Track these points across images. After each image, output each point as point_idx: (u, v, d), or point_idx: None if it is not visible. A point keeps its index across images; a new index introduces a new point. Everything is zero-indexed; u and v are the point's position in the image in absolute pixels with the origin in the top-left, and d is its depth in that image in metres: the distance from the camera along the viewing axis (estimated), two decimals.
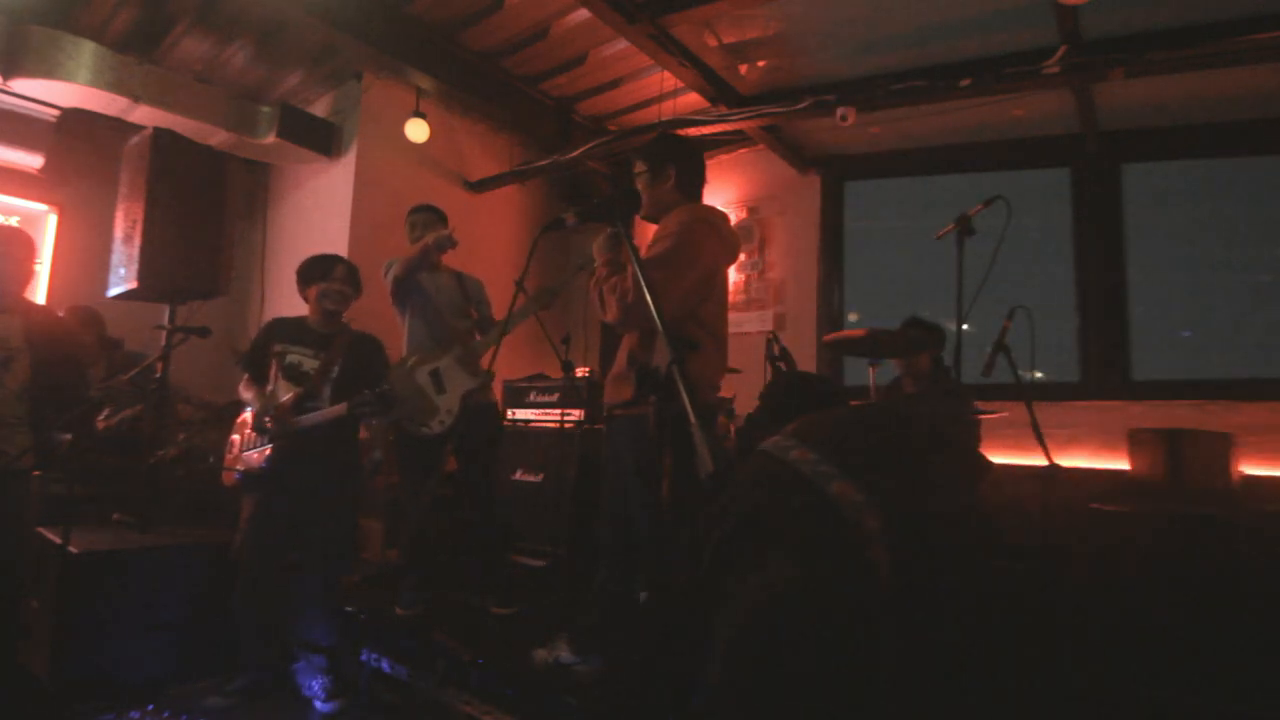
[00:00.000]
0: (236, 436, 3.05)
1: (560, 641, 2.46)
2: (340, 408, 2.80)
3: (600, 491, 2.52)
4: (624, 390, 2.31)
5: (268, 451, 2.88)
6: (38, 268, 2.99)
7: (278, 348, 2.99)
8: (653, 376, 1.14)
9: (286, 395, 2.88)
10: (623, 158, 5.76)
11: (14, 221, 4.79)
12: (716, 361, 2.42)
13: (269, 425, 2.86)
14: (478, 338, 3.32)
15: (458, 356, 3.20)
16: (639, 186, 2.45)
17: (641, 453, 2.24)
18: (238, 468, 2.98)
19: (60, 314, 3.41)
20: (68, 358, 2.85)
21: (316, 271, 3.06)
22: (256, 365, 3.03)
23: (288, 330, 3.06)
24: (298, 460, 2.87)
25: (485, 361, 3.27)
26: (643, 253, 2.25)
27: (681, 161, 2.41)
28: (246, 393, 2.99)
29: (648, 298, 1.17)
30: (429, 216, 3.40)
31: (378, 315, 3.50)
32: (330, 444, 2.91)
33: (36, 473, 2.78)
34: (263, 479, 2.91)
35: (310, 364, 2.96)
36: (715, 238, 2.33)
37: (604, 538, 2.44)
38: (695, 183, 2.46)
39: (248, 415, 3.23)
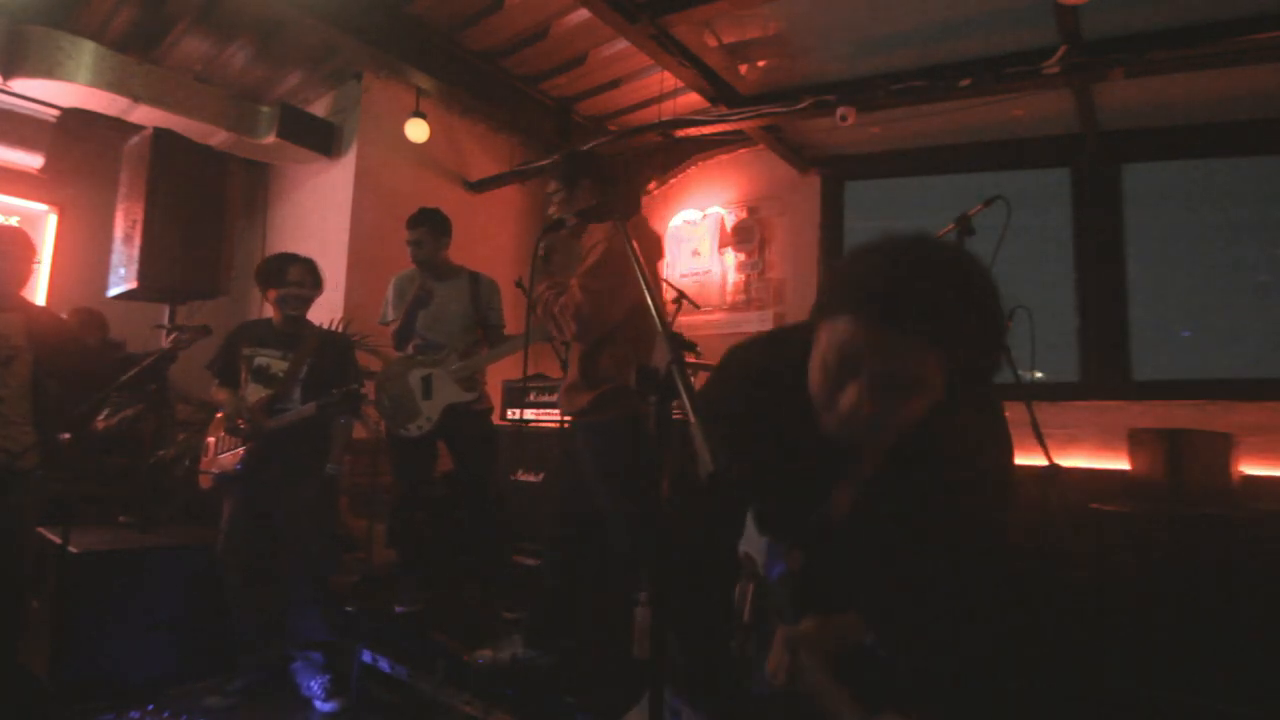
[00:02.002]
0: (212, 439, 3.05)
1: (515, 639, 2.55)
2: (309, 408, 2.80)
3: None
4: (578, 399, 2.38)
5: (240, 453, 2.88)
6: (37, 267, 2.99)
7: (246, 350, 2.99)
8: (652, 377, 1.13)
9: (256, 397, 2.88)
10: (626, 158, 5.77)
11: (14, 221, 4.79)
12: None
13: (242, 427, 2.86)
14: (484, 351, 3.28)
15: (454, 369, 3.18)
16: (554, 208, 2.52)
17: (606, 458, 2.31)
18: (213, 470, 2.98)
19: (64, 316, 3.41)
20: (69, 357, 2.86)
21: (270, 275, 3.03)
22: (226, 368, 3.03)
23: (255, 332, 3.06)
24: (270, 461, 2.87)
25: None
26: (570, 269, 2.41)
27: (593, 172, 2.49)
28: (218, 395, 3.00)
29: (650, 301, 1.17)
30: (424, 234, 3.26)
31: (375, 310, 3.51)
32: (301, 444, 2.91)
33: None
34: (237, 480, 2.91)
35: (278, 365, 2.96)
36: (639, 238, 2.39)
37: (551, 533, 2.56)
38: (610, 189, 2.53)
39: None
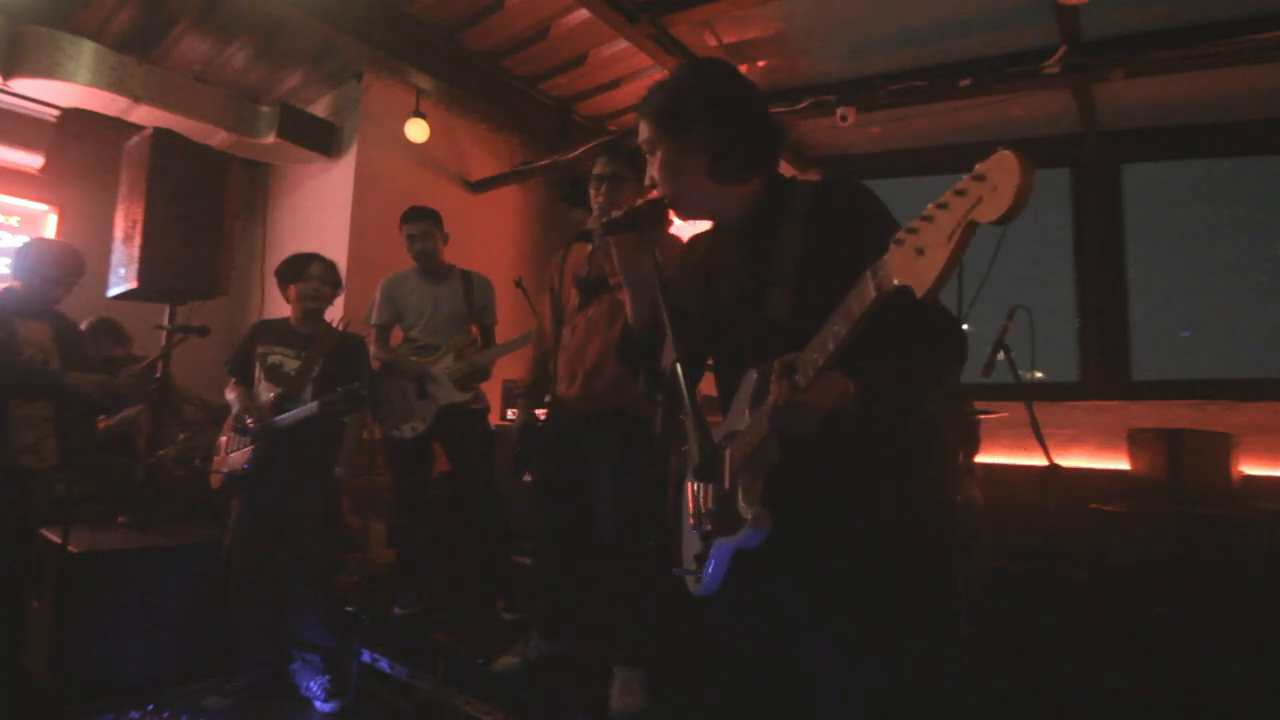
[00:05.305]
0: (224, 438, 3.05)
1: (532, 638, 2.52)
2: (312, 406, 2.79)
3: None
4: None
5: (248, 452, 2.88)
6: (76, 284, 3.05)
7: (260, 349, 2.99)
8: (659, 376, 1.14)
9: (268, 395, 2.88)
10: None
11: (14, 222, 4.79)
12: None
13: (251, 426, 2.86)
14: (481, 351, 3.28)
15: (449, 369, 3.17)
16: (601, 196, 2.45)
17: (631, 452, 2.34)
18: (223, 469, 2.98)
19: (82, 326, 3.46)
20: (90, 365, 2.99)
21: (292, 271, 3.04)
22: (242, 367, 3.04)
23: (271, 331, 3.06)
24: (277, 460, 2.86)
25: None
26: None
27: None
28: (231, 394, 3.00)
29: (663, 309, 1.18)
30: (430, 226, 3.27)
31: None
32: (311, 445, 2.91)
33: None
34: (245, 480, 2.91)
35: (292, 364, 2.96)
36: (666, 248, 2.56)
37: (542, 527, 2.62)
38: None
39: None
